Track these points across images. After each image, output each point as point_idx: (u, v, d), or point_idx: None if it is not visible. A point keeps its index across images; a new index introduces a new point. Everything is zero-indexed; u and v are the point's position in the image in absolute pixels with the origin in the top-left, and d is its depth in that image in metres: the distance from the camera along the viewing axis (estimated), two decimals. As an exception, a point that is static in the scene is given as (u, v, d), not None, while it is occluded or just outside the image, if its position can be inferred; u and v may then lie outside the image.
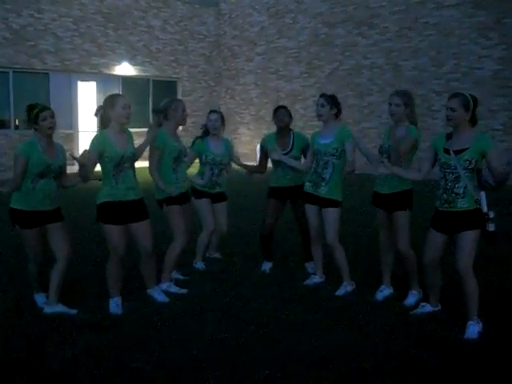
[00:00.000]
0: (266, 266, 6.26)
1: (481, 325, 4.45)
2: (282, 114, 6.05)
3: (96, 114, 4.98)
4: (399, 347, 4.20)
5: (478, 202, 4.42)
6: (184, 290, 5.53)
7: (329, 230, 5.49)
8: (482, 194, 4.43)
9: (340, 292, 5.45)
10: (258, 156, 6.52)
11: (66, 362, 3.96)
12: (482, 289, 4.51)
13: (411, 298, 5.18)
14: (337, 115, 5.58)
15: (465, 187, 4.41)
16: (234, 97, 22.02)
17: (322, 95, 5.59)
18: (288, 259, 6.63)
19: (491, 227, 4.39)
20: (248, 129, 21.35)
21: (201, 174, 6.22)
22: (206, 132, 6.33)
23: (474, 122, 4.50)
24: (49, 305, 4.93)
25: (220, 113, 6.41)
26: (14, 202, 4.88)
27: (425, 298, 5.06)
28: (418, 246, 5.27)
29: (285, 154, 5.91)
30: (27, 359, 4.01)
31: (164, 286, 5.49)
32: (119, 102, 4.84)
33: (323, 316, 4.84)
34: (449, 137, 4.57)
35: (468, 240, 4.41)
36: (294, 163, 5.86)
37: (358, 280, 5.65)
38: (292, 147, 6.00)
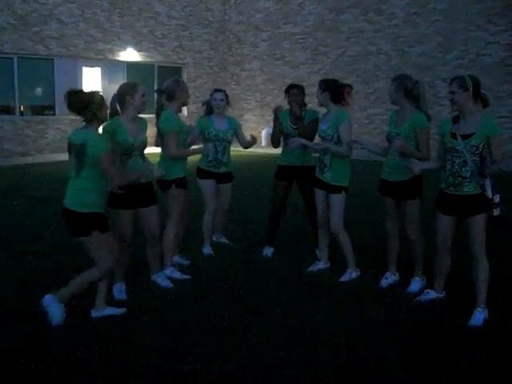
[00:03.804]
0: (268, 251, 6.27)
1: (487, 312, 4.43)
2: (293, 95, 5.99)
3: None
4: (403, 334, 4.20)
5: (483, 187, 4.39)
6: (187, 276, 5.53)
7: (333, 216, 5.47)
8: (487, 179, 4.39)
9: (344, 278, 5.44)
10: (263, 141, 6.47)
11: (69, 348, 3.97)
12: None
13: (414, 285, 5.16)
14: (334, 100, 5.45)
15: (471, 171, 4.39)
16: (239, 83, 21.94)
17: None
18: (293, 245, 6.62)
19: (496, 212, 4.40)
20: (253, 115, 21.29)
21: (205, 151, 6.15)
22: (210, 111, 6.34)
23: (483, 103, 4.47)
24: (97, 310, 4.61)
25: (224, 91, 6.37)
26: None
27: (428, 285, 5.05)
28: (425, 232, 5.24)
29: (295, 129, 5.96)
30: (30, 346, 4.02)
31: (167, 271, 5.49)
32: (140, 91, 4.85)
33: (327, 302, 4.83)
34: (455, 120, 4.53)
35: (477, 227, 4.42)
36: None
37: (364, 266, 5.63)
38: (302, 122, 5.96)
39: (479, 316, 4.40)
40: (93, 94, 4.36)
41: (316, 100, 5.54)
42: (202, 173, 6.28)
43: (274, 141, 6.22)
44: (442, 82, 15.34)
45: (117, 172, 4.43)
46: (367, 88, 17.73)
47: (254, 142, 6.36)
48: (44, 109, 17.85)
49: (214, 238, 6.67)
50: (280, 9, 20.22)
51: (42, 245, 6.65)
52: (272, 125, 6.32)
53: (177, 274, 5.53)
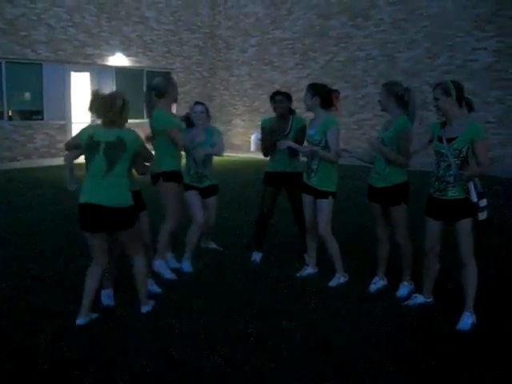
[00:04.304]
0: (257, 257, 6.26)
1: (475, 317, 4.45)
2: (278, 101, 5.99)
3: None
4: (391, 338, 4.21)
5: (466, 190, 4.40)
6: (174, 276, 5.62)
7: (320, 221, 5.47)
8: (471, 183, 4.38)
9: (333, 283, 5.44)
10: (252, 146, 6.42)
11: (55, 353, 3.95)
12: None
13: (403, 290, 5.18)
14: (323, 105, 5.45)
15: (455, 176, 4.41)
16: (228, 88, 21.96)
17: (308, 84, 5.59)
18: (281, 250, 6.62)
19: (481, 216, 4.38)
20: (242, 120, 21.30)
21: (187, 166, 6.12)
22: (190, 123, 6.11)
23: (468, 108, 4.50)
24: (146, 304, 4.76)
25: (205, 104, 6.24)
26: None
27: (417, 290, 5.06)
28: (413, 237, 5.26)
29: (282, 135, 5.91)
30: (14, 352, 3.99)
31: (156, 263, 5.59)
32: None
33: (316, 307, 4.84)
34: (443, 125, 4.57)
35: (463, 231, 4.43)
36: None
37: (352, 271, 5.64)
38: (290, 130, 5.96)
39: (467, 320, 4.42)
40: (115, 97, 4.49)
41: (304, 105, 5.55)
42: (186, 187, 6.09)
43: (267, 150, 6.10)
44: (430, 87, 15.34)
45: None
46: (356, 93, 17.81)
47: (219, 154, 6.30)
48: (32, 114, 17.77)
49: (202, 245, 6.63)
50: (269, 14, 20.27)
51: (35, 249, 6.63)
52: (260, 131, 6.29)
53: (163, 267, 5.64)
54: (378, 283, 5.36)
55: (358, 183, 9.67)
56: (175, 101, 5.70)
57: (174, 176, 5.62)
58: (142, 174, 4.90)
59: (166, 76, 5.85)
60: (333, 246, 5.52)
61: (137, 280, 4.70)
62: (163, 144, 5.57)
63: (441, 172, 4.50)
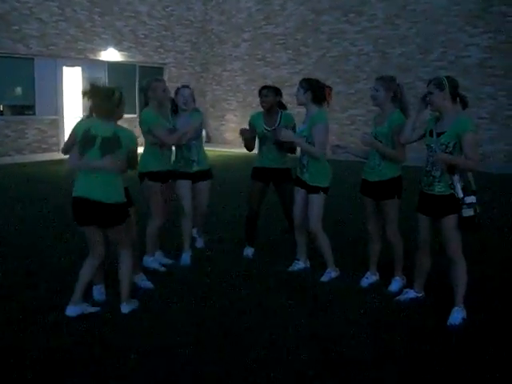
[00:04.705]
0: (249, 251, 6.27)
1: (465, 312, 4.48)
2: (264, 95, 5.98)
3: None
4: (382, 333, 4.22)
5: (451, 186, 4.39)
6: (163, 269, 5.75)
7: (311, 216, 5.48)
8: (456, 178, 4.35)
9: (324, 278, 5.46)
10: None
11: (45, 350, 3.94)
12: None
13: (395, 284, 5.20)
14: (315, 100, 5.43)
15: (441, 171, 4.42)
16: (220, 83, 21.92)
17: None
18: (272, 245, 6.63)
19: (465, 213, 4.32)
20: (235, 115, 21.27)
21: (176, 153, 6.08)
22: (175, 109, 6.00)
23: (463, 104, 4.50)
24: (128, 303, 4.69)
25: (191, 88, 6.07)
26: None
27: (408, 284, 5.09)
28: (406, 232, 5.29)
29: (268, 131, 5.90)
30: (11, 347, 3.99)
31: (146, 258, 5.78)
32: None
33: (307, 302, 4.85)
34: (437, 120, 4.59)
35: (448, 227, 4.44)
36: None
37: (344, 266, 5.66)
38: (278, 126, 5.94)
39: (457, 315, 4.44)
40: (114, 89, 4.51)
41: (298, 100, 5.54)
42: (177, 175, 6.02)
43: (248, 147, 6.22)
44: (423, 83, 15.42)
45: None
46: (348, 89, 17.82)
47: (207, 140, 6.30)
48: (24, 109, 17.67)
49: (194, 235, 6.59)
50: (262, 9, 20.23)
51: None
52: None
53: (155, 264, 5.78)
54: (369, 278, 5.38)
55: (349, 179, 9.69)
56: (162, 104, 5.70)
57: (159, 176, 5.66)
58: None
59: (154, 79, 5.75)
60: (324, 242, 5.53)
61: (121, 274, 4.68)
62: (148, 144, 5.67)
63: (429, 166, 4.54)
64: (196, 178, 6.08)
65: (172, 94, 6.00)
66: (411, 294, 4.93)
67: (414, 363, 3.79)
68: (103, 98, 4.44)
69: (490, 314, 4.58)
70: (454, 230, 4.43)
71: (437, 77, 4.56)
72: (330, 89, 5.55)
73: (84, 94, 4.50)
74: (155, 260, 5.89)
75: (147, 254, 5.82)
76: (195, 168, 6.04)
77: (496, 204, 8.88)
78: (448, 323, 4.39)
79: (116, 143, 4.40)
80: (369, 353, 3.91)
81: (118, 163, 4.45)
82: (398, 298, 4.94)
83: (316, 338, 4.13)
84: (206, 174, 6.16)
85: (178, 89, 5.99)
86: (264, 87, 6.07)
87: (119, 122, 4.62)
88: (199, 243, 6.61)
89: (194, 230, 6.58)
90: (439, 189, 4.48)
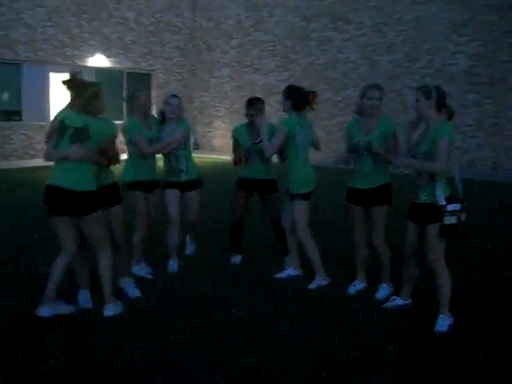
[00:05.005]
0: (236, 259, 6.27)
1: (452, 319, 4.50)
2: (255, 108, 5.97)
3: None
4: (369, 340, 4.23)
5: (433, 194, 4.42)
6: (150, 276, 5.77)
7: (297, 225, 5.51)
8: (437, 185, 4.39)
9: (313, 285, 5.46)
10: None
11: (31, 359, 3.91)
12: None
13: (382, 292, 5.21)
14: (295, 108, 5.46)
15: (426, 179, 4.46)
16: (208, 90, 21.92)
17: None
18: (261, 251, 6.63)
19: (447, 220, 4.34)
20: (223, 122, 21.28)
21: (164, 163, 6.08)
22: (164, 119, 5.93)
23: (448, 114, 4.52)
24: (112, 304, 4.68)
25: (179, 97, 6.04)
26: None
27: (395, 292, 5.10)
28: (395, 241, 5.30)
29: (256, 144, 5.89)
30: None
31: (134, 267, 5.78)
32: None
33: (296, 309, 4.85)
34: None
35: (431, 236, 4.46)
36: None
37: (333, 273, 5.66)
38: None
39: (443, 323, 4.45)
40: (89, 84, 4.58)
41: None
42: (165, 184, 6.04)
43: (234, 162, 6.19)
44: (410, 90, 15.56)
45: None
46: (336, 96, 17.89)
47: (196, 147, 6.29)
48: (10, 114, 17.58)
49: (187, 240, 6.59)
50: (250, 16, 20.28)
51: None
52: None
53: (142, 271, 5.80)
54: (357, 285, 5.39)
55: (335, 186, 9.72)
56: (144, 112, 5.70)
57: (140, 186, 5.67)
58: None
59: (137, 89, 5.78)
60: (311, 249, 5.54)
61: (101, 276, 4.66)
62: (131, 154, 5.73)
63: (414, 175, 4.58)
64: (185, 187, 6.07)
65: (160, 104, 6.03)
66: (398, 301, 4.94)
67: (401, 369, 3.79)
68: (77, 91, 4.49)
69: (476, 320, 4.60)
70: (436, 238, 4.44)
71: (426, 85, 4.59)
72: (315, 94, 5.57)
73: (63, 83, 4.57)
74: (142, 268, 5.87)
75: (134, 262, 5.80)
76: (184, 178, 6.03)
77: (483, 211, 8.93)
78: (435, 329, 4.41)
79: (85, 134, 4.41)
80: (357, 359, 3.91)
81: (86, 153, 4.43)
82: (385, 305, 4.95)
83: (305, 344, 4.13)
84: (194, 183, 6.15)
85: (167, 98, 5.98)
86: (255, 99, 6.06)
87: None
88: (189, 250, 6.59)
89: (187, 237, 6.58)
90: (423, 197, 4.51)
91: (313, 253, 5.54)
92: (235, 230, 6.25)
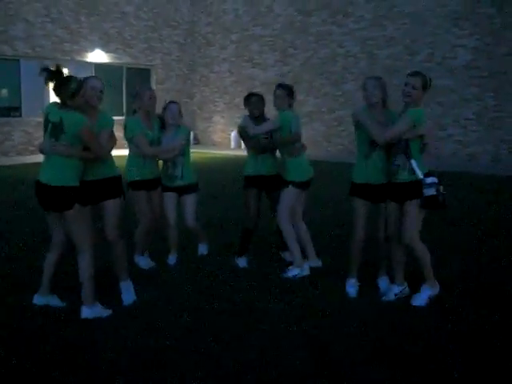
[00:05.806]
0: (244, 262, 6.02)
1: (436, 289, 4.78)
2: (255, 103, 5.93)
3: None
4: (371, 335, 4.22)
5: (412, 170, 4.62)
6: (153, 264, 5.92)
7: (278, 209, 5.60)
8: (413, 162, 4.61)
9: (287, 274, 5.56)
10: (232, 144, 6.32)
11: (30, 356, 3.90)
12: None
13: (382, 284, 5.21)
14: (291, 103, 5.73)
15: (403, 159, 4.66)
16: (208, 85, 21.89)
17: None
18: (262, 248, 6.60)
19: (427, 192, 4.58)
20: (222, 117, 21.26)
21: (162, 167, 6.05)
22: (163, 124, 5.92)
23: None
24: (89, 306, 4.55)
25: (179, 104, 6.05)
26: None
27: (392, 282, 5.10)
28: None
29: (266, 139, 5.86)
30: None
31: (136, 258, 5.89)
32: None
33: (297, 306, 4.83)
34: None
35: (408, 211, 4.66)
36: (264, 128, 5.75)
37: (332, 271, 5.64)
38: (271, 134, 5.90)
39: (423, 296, 4.75)
40: (71, 79, 4.46)
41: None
42: (162, 188, 5.99)
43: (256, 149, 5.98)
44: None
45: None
46: (336, 90, 17.85)
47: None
48: (10, 110, 17.56)
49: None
50: (249, 11, 20.24)
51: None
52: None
53: (144, 262, 5.88)
54: (355, 285, 5.34)
55: (334, 179, 9.70)
56: (148, 111, 5.71)
57: (142, 185, 5.73)
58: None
59: (141, 87, 5.79)
60: (288, 236, 5.59)
61: (79, 276, 4.57)
62: (131, 153, 5.75)
63: (393, 155, 4.74)
64: (181, 191, 6.04)
65: (160, 110, 6.00)
66: (395, 289, 4.94)
67: (403, 364, 3.78)
68: (59, 84, 4.44)
69: (476, 314, 4.59)
70: (413, 216, 4.65)
71: (422, 73, 4.77)
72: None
73: (46, 71, 4.50)
74: (143, 259, 5.92)
75: (136, 253, 5.92)
76: (178, 183, 5.98)
77: (482, 204, 8.91)
78: (411, 303, 4.71)
79: (60, 128, 4.39)
80: (360, 352, 3.90)
81: (61, 148, 4.38)
82: (384, 298, 4.93)
83: (307, 341, 4.11)
84: (190, 188, 6.07)
85: (166, 104, 5.98)
86: (255, 95, 6.01)
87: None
88: (202, 250, 6.45)
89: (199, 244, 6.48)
90: (404, 177, 4.66)
91: (291, 240, 5.60)
92: (249, 233, 6.02)
